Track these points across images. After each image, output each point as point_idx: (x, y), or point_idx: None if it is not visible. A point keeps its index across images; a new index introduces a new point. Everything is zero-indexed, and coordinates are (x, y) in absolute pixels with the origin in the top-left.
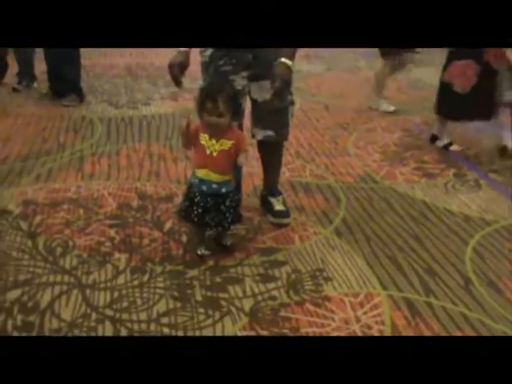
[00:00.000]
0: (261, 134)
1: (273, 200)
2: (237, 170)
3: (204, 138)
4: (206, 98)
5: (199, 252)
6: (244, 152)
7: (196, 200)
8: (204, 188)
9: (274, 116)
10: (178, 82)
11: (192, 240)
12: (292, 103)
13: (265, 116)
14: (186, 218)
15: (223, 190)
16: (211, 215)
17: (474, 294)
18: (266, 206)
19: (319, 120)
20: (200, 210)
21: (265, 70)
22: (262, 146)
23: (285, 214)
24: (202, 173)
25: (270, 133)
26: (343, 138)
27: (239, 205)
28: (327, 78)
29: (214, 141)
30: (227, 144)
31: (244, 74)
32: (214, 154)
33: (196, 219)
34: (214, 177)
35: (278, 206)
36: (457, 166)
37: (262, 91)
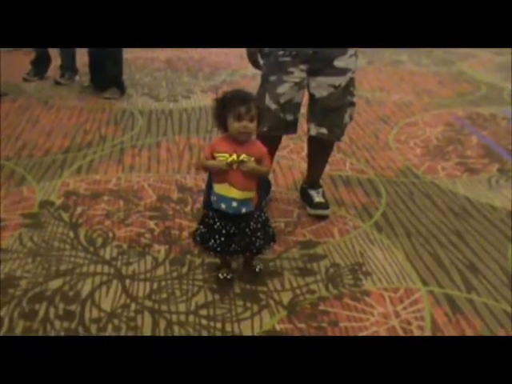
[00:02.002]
0: (315, 130)
1: (312, 192)
2: (261, 188)
3: (221, 156)
4: (237, 102)
5: (221, 276)
6: (265, 167)
7: (216, 227)
8: (223, 206)
9: (330, 114)
10: (258, 66)
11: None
12: (351, 104)
13: (321, 113)
14: (203, 245)
15: (243, 209)
16: (236, 241)
17: None
18: (306, 199)
19: (360, 114)
20: (222, 239)
21: (324, 66)
22: (313, 141)
23: (324, 205)
24: (221, 188)
25: (324, 130)
26: (384, 132)
27: (268, 224)
28: (368, 72)
29: (234, 156)
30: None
31: (303, 67)
32: (234, 166)
33: (219, 249)
34: (234, 193)
35: (318, 198)
36: (501, 160)
37: (320, 87)
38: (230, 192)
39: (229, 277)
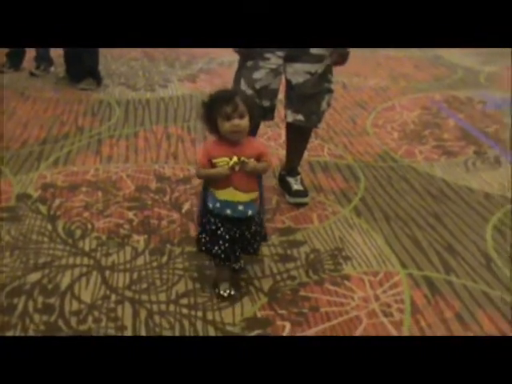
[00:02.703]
0: (291, 117)
1: (291, 180)
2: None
3: (221, 161)
4: (223, 102)
5: (225, 293)
6: (266, 162)
7: (219, 232)
8: (228, 211)
9: (306, 101)
10: None
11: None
12: (329, 91)
13: (297, 99)
14: (209, 253)
15: (250, 212)
16: (238, 245)
17: (495, 271)
18: (284, 186)
19: (337, 99)
20: (227, 245)
21: (301, 53)
22: (291, 128)
23: (302, 193)
24: (225, 194)
25: (301, 117)
26: (362, 117)
27: (263, 225)
28: None
29: (235, 158)
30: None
31: (280, 53)
32: (237, 168)
33: (223, 255)
34: (240, 196)
35: (296, 186)
36: (477, 143)
37: (296, 73)
38: (235, 196)
39: (232, 292)
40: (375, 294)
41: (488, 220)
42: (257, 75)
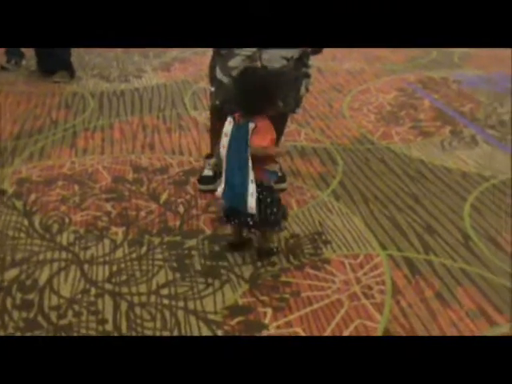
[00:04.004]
0: None
1: None
2: None
3: None
4: None
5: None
6: None
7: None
8: None
9: (284, 86)
10: None
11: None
12: (306, 75)
13: None
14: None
15: None
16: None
17: (474, 249)
18: None
19: (313, 83)
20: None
21: None
22: None
23: (281, 179)
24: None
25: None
26: (338, 101)
27: None
28: None
29: None
30: None
31: None
32: None
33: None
34: None
35: None
36: (453, 122)
37: (272, 59)
38: None
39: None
40: (356, 277)
41: (465, 199)
42: (232, 63)
